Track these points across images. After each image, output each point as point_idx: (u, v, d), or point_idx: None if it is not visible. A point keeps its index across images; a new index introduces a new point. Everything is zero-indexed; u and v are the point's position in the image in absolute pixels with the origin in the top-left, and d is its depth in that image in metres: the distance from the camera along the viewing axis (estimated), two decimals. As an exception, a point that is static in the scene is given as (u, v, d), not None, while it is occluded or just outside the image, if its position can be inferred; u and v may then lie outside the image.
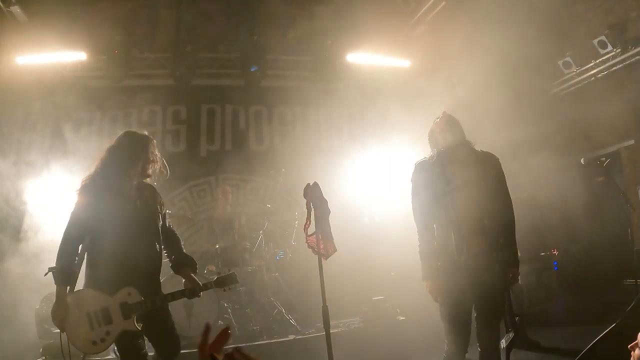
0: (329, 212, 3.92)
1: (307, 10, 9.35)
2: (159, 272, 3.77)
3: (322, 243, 3.83)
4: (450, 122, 3.97)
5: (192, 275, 3.95)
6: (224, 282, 4.07)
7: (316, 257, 3.96)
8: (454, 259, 3.72)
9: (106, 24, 8.87)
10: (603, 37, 7.84)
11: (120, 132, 3.84)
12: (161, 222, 3.87)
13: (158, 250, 3.74)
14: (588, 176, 8.09)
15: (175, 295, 3.76)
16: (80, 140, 8.03)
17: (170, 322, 3.80)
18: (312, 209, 3.85)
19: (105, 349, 3.55)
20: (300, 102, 8.83)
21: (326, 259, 3.88)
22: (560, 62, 8.59)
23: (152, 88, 8.68)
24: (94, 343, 3.50)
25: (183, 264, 4.01)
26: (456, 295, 3.74)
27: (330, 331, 3.93)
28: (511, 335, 4.26)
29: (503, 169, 3.96)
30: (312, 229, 3.88)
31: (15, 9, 7.86)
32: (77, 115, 8.39)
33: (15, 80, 8.07)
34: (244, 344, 6.33)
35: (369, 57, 8.89)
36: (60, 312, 3.42)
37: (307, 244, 3.92)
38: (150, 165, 3.75)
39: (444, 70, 7.69)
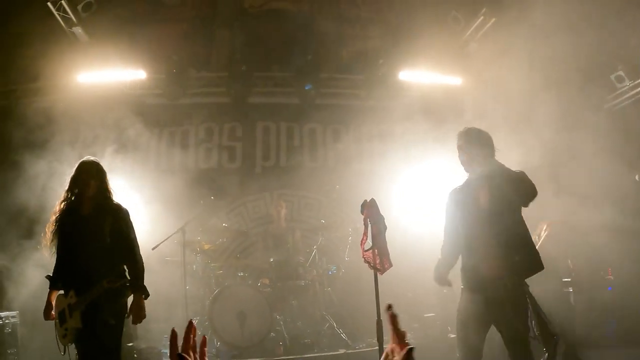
0: (386, 227, 4.01)
1: (359, 30, 9.51)
2: (98, 275, 4.01)
3: (378, 258, 3.91)
4: (470, 150, 4.09)
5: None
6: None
7: (369, 272, 4.05)
8: (470, 283, 3.96)
9: (164, 44, 9.23)
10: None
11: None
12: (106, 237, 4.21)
13: (100, 257, 4.11)
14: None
15: (88, 296, 4.05)
16: (138, 156, 8.42)
17: (100, 325, 4.02)
18: (369, 225, 3.95)
19: (71, 342, 4.09)
20: (354, 119, 8.92)
21: (382, 273, 3.96)
22: (612, 76, 8.44)
23: (208, 106, 8.99)
24: (63, 337, 4.14)
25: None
26: (466, 317, 3.90)
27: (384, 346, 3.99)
28: (546, 355, 4.19)
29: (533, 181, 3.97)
30: (368, 244, 3.98)
31: (77, 30, 8.22)
32: (136, 132, 8.73)
33: (77, 97, 8.40)
34: (294, 356, 6.44)
35: (421, 75, 8.93)
36: (45, 311, 4.23)
37: (363, 259, 4.01)
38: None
39: (496, 87, 7.69)
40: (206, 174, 8.78)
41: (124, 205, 4.43)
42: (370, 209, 3.96)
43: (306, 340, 6.76)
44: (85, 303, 4.04)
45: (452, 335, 6.86)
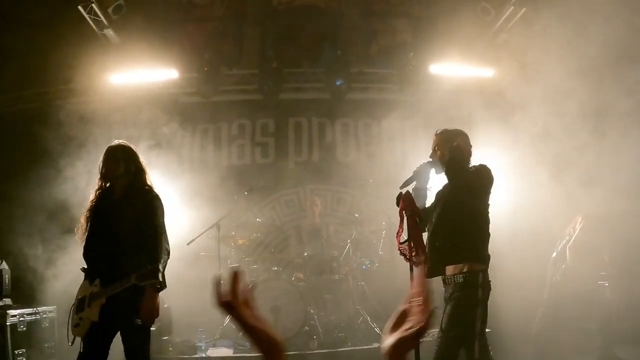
0: (422, 219, 4.00)
1: (388, 24, 9.48)
2: (125, 264, 3.85)
3: (414, 250, 3.91)
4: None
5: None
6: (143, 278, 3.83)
7: (404, 266, 4.05)
8: None
9: (195, 43, 9.37)
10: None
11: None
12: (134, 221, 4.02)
13: (129, 245, 3.94)
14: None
15: (111, 288, 3.85)
16: (172, 154, 8.55)
17: (128, 320, 3.83)
18: (405, 217, 3.95)
19: (81, 334, 3.89)
20: (385, 114, 8.89)
21: (417, 266, 3.95)
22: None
23: (240, 103, 9.06)
24: (75, 326, 3.95)
25: None
26: None
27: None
28: None
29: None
30: (404, 236, 3.98)
31: (109, 32, 8.40)
32: (169, 130, 8.87)
33: (110, 98, 8.60)
34: (328, 350, 6.46)
35: (452, 68, 8.86)
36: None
37: (399, 251, 4.02)
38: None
39: (528, 78, 7.58)
40: (240, 170, 8.88)
41: (156, 190, 4.28)
42: (405, 201, 3.95)
43: (340, 334, 6.78)
44: (106, 295, 3.84)
45: (487, 330, 6.83)
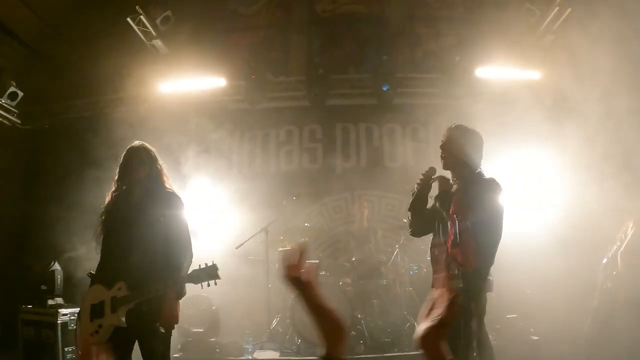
0: (472, 223, 3.96)
1: (432, 28, 9.44)
2: (152, 269, 3.72)
3: (464, 255, 3.87)
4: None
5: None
6: (198, 277, 3.70)
7: (452, 273, 4.01)
8: None
9: (241, 51, 9.56)
10: None
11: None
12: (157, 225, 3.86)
13: (153, 248, 3.78)
14: None
15: (145, 292, 3.66)
16: (221, 161, 8.73)
17: (151, 327, 3.69)
18: (456, 221, 3.91)
19: (100, 342, 3.60)
20: (432, 118, 8.78)
21: (470, 270, 3.91)
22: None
23: (288, 109, 9.16)
24: (91, 334, 3.69)
25: None
26: None
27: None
28: None
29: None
30: (455, 240, 3.94)
31: (157, 42, 8.69)
32: (218, 137, 9.06)
33: (160, 106, 8.85)
34: (375, 355, 6.43)
35: (498, 71, 8.74)
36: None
37: (449, 256, 3.98)
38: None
39: (576, 79, 7.43)
40: (288, 175, 8.97)
41: (177, 193, 4.12)
42: (456, 205, 3.92)
43: (387, 340, 6.74)
44: (136, 300, 3.66)
45: (535, 338, 6.71)
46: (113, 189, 4.08)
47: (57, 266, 7.15)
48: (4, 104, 8.75)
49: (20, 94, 8.71)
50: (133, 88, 9.10)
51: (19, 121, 9.23)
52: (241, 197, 7.91)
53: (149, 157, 4.07)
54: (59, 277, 7.06)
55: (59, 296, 6.85)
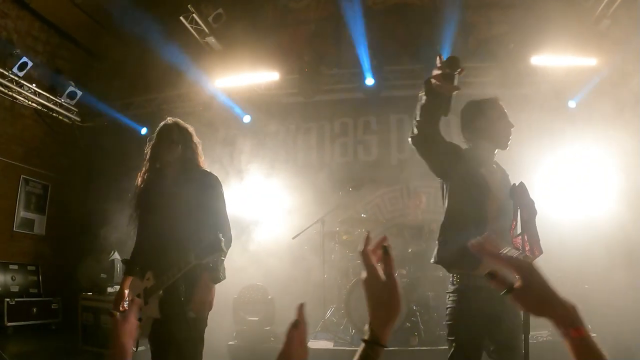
0: (536, 213, 3.88)
1: (484, 16, 9.26)
2: (181, 252, 3.34)
3: (527, 245, 3.80)
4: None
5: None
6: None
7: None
8: None
9: (294, 46, 9.66)
10: None
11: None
12: (191, 207, 3.54)
13: (186, 234, 3.44)
14: None
15: (166, 278, 3.36)
16: (278, 153, 8.85)
17: (178, 312, 3.32)
18: (519, 210, 3.84)
19: (145, 335, 3.42)
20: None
21: (532, 262, 3.84)
22: None
23: (342, 101, 9.19)
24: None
25: None
26: None
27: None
28: None
29: None
30: (517, 230, 3.87)
31: (210, 39, 8.95)
32: (274, 130, 9.18)
33: (215, 101, 9.13)
34: (429, 347, 6.38)
35: (553, 58, 8.55)
36: (115, 301, 3.71)
37: (512, 246, 3.91)
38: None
39: (633, 64, 7.18)
40: (343, 167, 8.96)
41: (214, 173, 3.76)
42: (519, 194, 3.84)
43: (441, 332, 6.68)
44: (162, 287, 3.37)
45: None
46: (144, 170, 3.77)
47: (116, 255, 7.40)
48: (64, 103, 9.08)
49: (79, 93, 9.02)
50: (189, 84, 9.33)
51: (78, 119, 9.56)
52: (298, 189, 7.99)
53: (182, 135, 3.71)
54: (118, 266, 7.32)
55: (118, 284, 7.12)
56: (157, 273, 3.43)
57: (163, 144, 3.67)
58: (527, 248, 3.81)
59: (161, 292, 3.39)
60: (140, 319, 3.09)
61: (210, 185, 3.65)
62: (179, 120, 3.80)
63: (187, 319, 3.32)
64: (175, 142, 3.67)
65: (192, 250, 3.24)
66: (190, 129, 3.79)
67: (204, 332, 3.50)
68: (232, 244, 3.60)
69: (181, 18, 8.61)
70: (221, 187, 3.73)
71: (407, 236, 7.59)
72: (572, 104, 8.52)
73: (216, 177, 3.73)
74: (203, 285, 3.42)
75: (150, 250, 3.57)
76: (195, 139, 3.79)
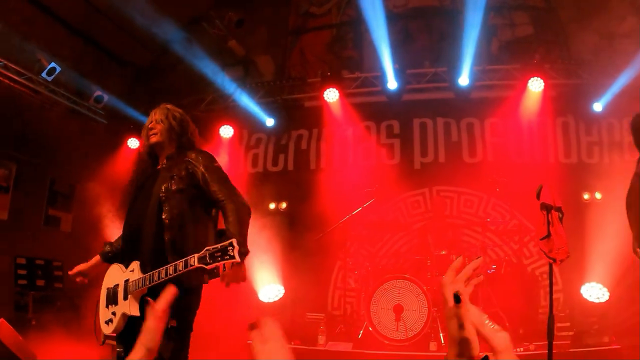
0: (562, 215, 3.84)
1: (506, 18, 9.18)
2: (174, 244, 3.16)
3: (554, 247, 3.77)
4: None
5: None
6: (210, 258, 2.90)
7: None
8: None
9: (316, 50, 9.70)
10: None
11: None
12: (183, 191, 3.31)
13: (178, 221, 3.22)
14: None
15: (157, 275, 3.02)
16: (299, 157, 9.02)
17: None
18: (546, 212, 3.81)
19: (114, 332, 3.15)
20: (511, 112, 8.51)
21: (558, 263, 3.81)
22: None
23: (364, 105, 9.15)
24: (106, 323, 3.20)
25: None
26: None
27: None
28: None
29: None
30: (544, 232, 3.84)
31: (233, 44, 9.22)
32: (296, 133, 9.25)
33: (238, 106, 9.29)
34: (446, 353, 6.28)
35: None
36: (77, 266, 3.50)
37: (539, 248, 3.89)
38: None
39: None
40: (365, 171, 8.87)
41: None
42: (546, 196, 3.82)
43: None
44: (150, 284, 3.02)
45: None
46: (138, 157, 3.70)
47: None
48: (91, 107, 9.26)
49: (106, 97, 9.19)
50: (212, 89, 9.47)
51: (105, 121, 9.72)
52: (319, 192, 8.04)
53: (172, 117, 3.53)
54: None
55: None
56: (145, 266, 3.13)
57: (150, 126, 3.53)
58: (553, 250, 3.79)
59: (146, 289, 3.05)
60: (114, 314, 3.13)
61: (202, 160, 3.42)
62: (168, 104, 3.65)
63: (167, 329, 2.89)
64: (160, 123, 3.50)
65: (192, 251, 2.94)
66: (178, 111, 3.62)
67: (188, 339, 3.21)
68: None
69: (204, 24, 8.75)
70: (214, 159, 3.51)
71: (430, 241, 7.55)
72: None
73: (206, 152, 3.55)
74: (235, 266, 3.04)
75: (135, 236, 3.31)
76: (185, 120, 3.61)
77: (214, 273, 3.14)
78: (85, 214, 9.01)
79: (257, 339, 1.34)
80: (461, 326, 1.18)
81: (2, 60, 7.64)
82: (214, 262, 2.82)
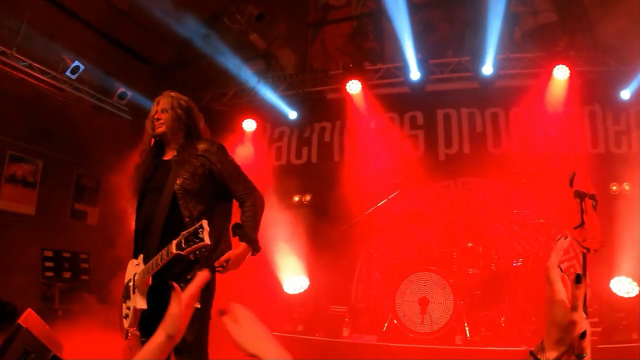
0: (596, 203, 3.76)
1: (529, 5, 9.02)
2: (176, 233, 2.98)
3: (588, 236, 3.70)
4: None
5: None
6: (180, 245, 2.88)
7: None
8: None
9: (337, 42, 9.67)
10: None
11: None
12: (195, 183, 3.28)
13: (179, 211, 3.20)
14: None
15: (154, 264, 3.01)
16: (321, 150, 8.94)
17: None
18: (580, 200, 3.73)
19: (130, 326, 3.11)
20: (536, 101, 8.37)
21: (592, 253, 3.73)
22: None
23: (387, 96, 9.09)
24: (125, 318, 3.18)
25: None
26: None
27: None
28: None
29: None
30: (578, 221, 3.76)
31: (255, 37, 9.27)
32: (320, 125, 9.22)
33: (261, 99, 9.34)
34: (473, 347, 6.22)
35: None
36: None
37: (573, 237, 3.81)
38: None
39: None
40: (389, 163, 8.77)
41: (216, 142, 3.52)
42: (579, 183, 3.74)
43: (487, 332, 6.55)
44: (147, 274, 3.02)
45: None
46: (142, 146, 3.54)
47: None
48: (115, 103, 9.36)
49: (129, 93, 9.28)
50: (235, 83, 9.51)
51: (129, 117, 9.81)
52: (343, 184, 8.01)
53: (179, 106, 3.46)
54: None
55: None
56: (148, 257, 3.12)
57: (155, 116, 3.47)
58: (587, 239, 3.72)
59: (150, 280, 3.07)
60: (128, 308, 3.13)
61: (215, 152, 3.41)
62: (173, 92, 3.58)
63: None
64: (166, 112, 3.43)
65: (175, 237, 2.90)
66: (184, 99, 3.56)
67: (207, 322, 3.18)
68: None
69: (224, 20, 8.78)
70: (225, 150, 3.51)
71: (456, 233, 7.48)
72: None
73: (216, 142, 3.53)
74: (239, 253, 3.16)
75: (145, 230, 3.30)
76: (193, 110, 3.56)
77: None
78: (111, 207, 9.07)
79: (230, 322, 1.35)
80: (575, 308, 1.13)
81: (27, 60, 7.79)
82: (188, 247, 2.79)
